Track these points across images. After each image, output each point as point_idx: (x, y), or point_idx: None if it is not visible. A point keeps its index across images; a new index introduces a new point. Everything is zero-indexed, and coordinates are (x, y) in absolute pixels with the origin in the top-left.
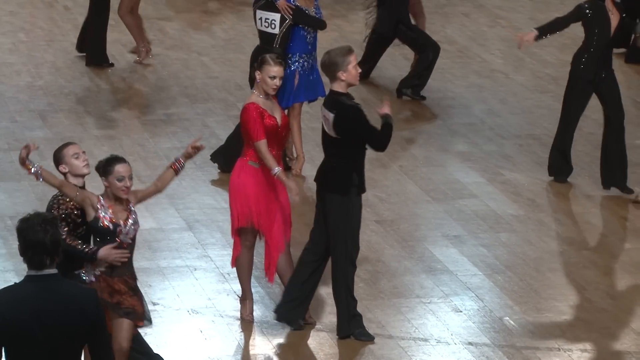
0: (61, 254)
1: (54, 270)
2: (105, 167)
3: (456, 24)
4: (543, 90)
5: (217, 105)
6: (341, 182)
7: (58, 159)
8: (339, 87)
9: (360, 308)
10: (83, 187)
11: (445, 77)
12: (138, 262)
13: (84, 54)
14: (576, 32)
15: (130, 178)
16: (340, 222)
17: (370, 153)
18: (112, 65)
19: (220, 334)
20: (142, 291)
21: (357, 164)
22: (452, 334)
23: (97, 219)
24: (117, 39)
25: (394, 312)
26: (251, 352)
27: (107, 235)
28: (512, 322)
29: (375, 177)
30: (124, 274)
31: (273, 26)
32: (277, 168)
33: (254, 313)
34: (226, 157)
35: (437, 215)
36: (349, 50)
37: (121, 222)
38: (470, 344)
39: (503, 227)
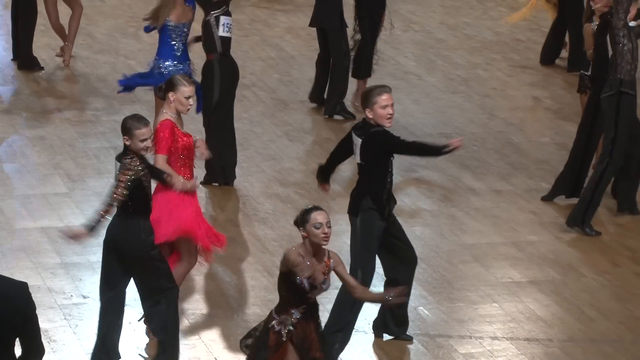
0: None
1: None
2: (302, 217)
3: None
4: (454, 91)
5: (143, 107)
6: (354, 204)
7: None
8: (368, 119)
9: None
10: None
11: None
12: (68, 257)
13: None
14: (485, 36)
15: (329, 225)
16: (353, 244)
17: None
18: (42, 68)
19: None
20: (73, 285)
21: (373, 188)
22: (369, 324)
23: (294, 275)
24: (47, 44)
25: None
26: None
27: (299, 291)
28: (426, 312)
29: (295, 174)
30: (315, 319)
31: (231, 30)
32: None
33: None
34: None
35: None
36: (382, 90)
37: (318, 284)
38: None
39: (417, 222)
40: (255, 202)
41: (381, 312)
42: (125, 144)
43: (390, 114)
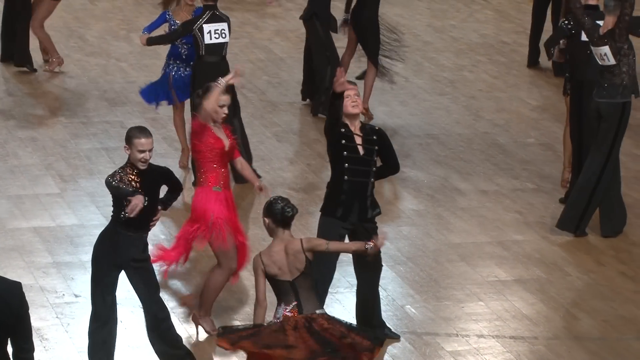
0: None
1: None
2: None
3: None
4: (441, 92)
5: (134, 109)
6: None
7: None
8: None
9: (270, 299)
10: None
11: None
12: (60, 257)
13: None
14: (471, 38)
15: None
16: None
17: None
18: (35, 70)
19: (138, 324)
20: (65, 285)
21: (331, 187)
22: (359, 323)
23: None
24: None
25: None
26: None
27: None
28: (413, 310)
29: (283, 174)
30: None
31: (224, 35)
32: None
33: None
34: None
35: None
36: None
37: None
38: None
39: (404, 221)
40: (245, 202)
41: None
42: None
43: (354, 103)
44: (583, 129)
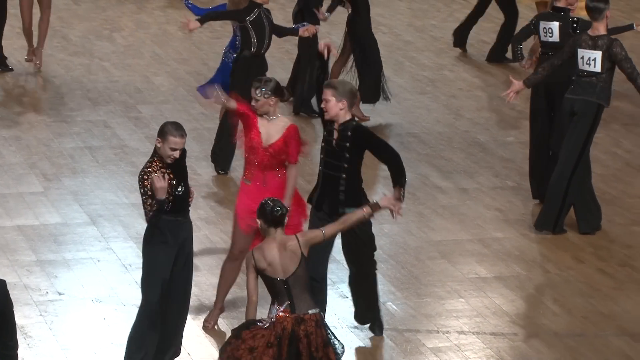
0: None
1: None
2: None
3: (341, 30)
4: (421, 91)
5: (118, 108)
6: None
7: None
8: None
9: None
10: None
11: None
12: (44, 255)
13: None
14: (451, 38)
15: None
16: None
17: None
18: (11, 70)
19: (122, 322)
20: (48, 282)
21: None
22: (339, 319)
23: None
24: (24, 46)
25: None
26: None
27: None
28: (394, 307)
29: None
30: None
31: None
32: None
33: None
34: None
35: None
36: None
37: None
38: (356, 327)
39: (386, 219)
40: (229, 201)
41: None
42: (156, 146)
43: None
44: (552, 131)
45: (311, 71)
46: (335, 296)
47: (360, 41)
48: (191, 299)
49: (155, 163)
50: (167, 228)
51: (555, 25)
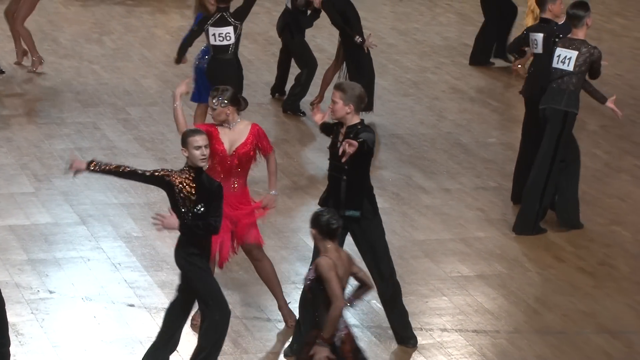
0: None
1: None
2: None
3: (326, 33)
4: (405, 93)
5: (107, 110)
6: None
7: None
8: None
9: (241, 294)
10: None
11: (316, 82)
12: (35, 254)
13: None
14: (434, 41)
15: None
16: None
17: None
18: (2, 72)
19: (112, 319)
20: (39, 281)
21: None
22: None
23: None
24: (15, 49)
25: (272, 297)
26: (140, 335)
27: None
28: (379, 305)
29: (253, 173)
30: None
31: (228, 38)
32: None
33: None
34: None
35: (309, 209)
36: None
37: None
38: None
39: None
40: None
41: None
42: (186, 158)
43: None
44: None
45: (308, 73)
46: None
47: (354, 53)
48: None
49: (185, 170)
50: (197, 242)
51: (539, 36)
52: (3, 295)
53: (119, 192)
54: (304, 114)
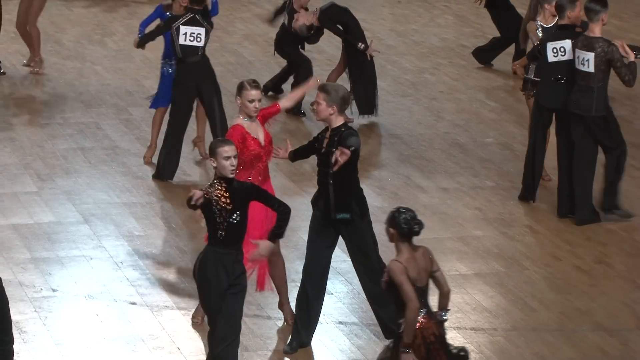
0: None
1: None
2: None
3: (325, 34)
4: (403, 94)
5: (109, 110)
6: None
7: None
8: None
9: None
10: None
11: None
12: (38, 253)
13: None
14: (432, 42)
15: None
16: None
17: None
18: (3, 73)
19: (114, 317)
20: (42, 279)
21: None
22: (324, 314)
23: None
24: (18, 50)
25: (272, 295)
26: (142, 333)
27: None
28: None
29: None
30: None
31: (199, 39)
32: None
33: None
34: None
35: (309, 208)
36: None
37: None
38: (340, 322)
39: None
40: None
41: None
42: (214, 168)
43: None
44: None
45: (304, 73)
46: None
47: (356, 58)
48: (181, 294)
49: (215, 184)
50: (221, 262)
51: (567, 43)
52: (7, 293)
53: (121, 191)
54: (304, 114)
